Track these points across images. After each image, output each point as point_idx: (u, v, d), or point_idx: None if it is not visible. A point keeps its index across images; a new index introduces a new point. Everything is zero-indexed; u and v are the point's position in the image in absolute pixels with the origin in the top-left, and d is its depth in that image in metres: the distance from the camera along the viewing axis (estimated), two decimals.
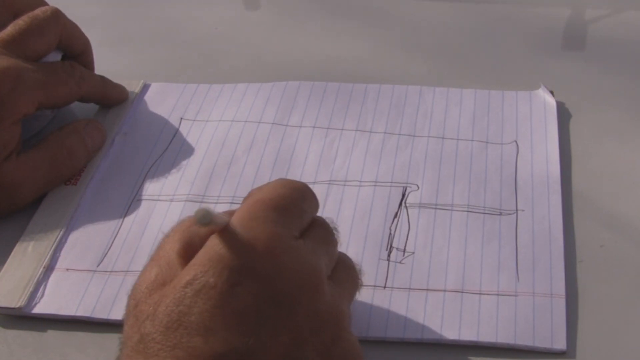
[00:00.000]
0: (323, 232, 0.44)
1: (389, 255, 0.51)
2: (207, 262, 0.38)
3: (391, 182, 0.56)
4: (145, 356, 0.37)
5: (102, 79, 0.62)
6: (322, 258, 0.42)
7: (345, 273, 0.44)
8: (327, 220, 0.45)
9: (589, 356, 0.45)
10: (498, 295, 0.48)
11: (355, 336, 0.41)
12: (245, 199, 0.44)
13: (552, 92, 0.62)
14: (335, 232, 0.44)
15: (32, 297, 0.50)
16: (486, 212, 0.53)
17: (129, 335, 0.39)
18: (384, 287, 0.49)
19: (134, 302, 0.40)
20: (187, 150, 0.60)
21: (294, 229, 0.41)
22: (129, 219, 0.55)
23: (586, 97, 0.63)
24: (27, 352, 0.48)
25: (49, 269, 0.52)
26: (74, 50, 0.61)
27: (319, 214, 0.52)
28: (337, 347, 0.40)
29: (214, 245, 0.39)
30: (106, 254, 0.53)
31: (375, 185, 0.56)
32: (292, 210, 0.42)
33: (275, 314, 0.38)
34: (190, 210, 0.55)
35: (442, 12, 0.74)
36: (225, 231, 0.39)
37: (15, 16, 0.58)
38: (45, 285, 0.51)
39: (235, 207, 0.54)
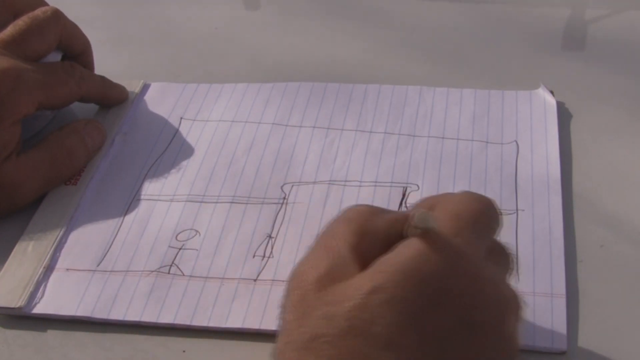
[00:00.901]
0: (505, 259, 0.42)
1: None
2: (401, 272, 0.36)
3: (391, 182, 0.56)
4: (318, 357, 0.36)
5: (102, 79, 0.62)
6: (505, 286, 0.40)
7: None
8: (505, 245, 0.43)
9: (589, 356, 0.45)
10: None
11: None
12: (424, 206, 0.42)
13: (552, 92, 0.62)
14: (512, 257, 0.43)
15: (32, 297, 0.50)
16: None
17: (296, 330, 0.37)
18: None
19: (300, 293, 0.38)
20: (187, 150, 0.60)
21: (484, 249, 0.40)
22: (128, 219, 0.55)
23: (586, 97, 0.63)
24: (27, 352, 0.48)
25: (49, 269, 0.52)
26: (74, 50, 0.61)
27: (317, 214, 0.52)
28: None
29: (409, 255, 0.37)
30: (106, 254, 0.53)
31: (375, 186, 0.56)
32: (486, 228, 0.40)
33: (467, 340, 0.37)
34: (190, 210, 0.55)
35: (442, 12, 0.74)
36: (430, 242, 0.37)
37: (16, 16, 0.58)
38: (45, 285, 0.51)
39: (235, 206, 0.55)
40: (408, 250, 0.37)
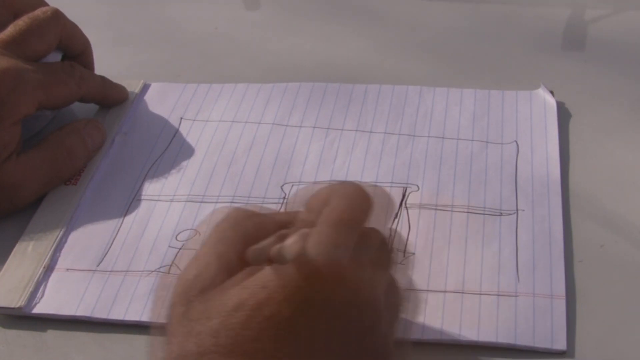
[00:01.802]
0: (384, 255, 0.42)
1: None
2: (281, 289, 0.36)
3: (391, 182, 0.56)
4: None
5: (102, 79, 0.62)
6: (381, 286, 0.40)
7: (395, 298, 0.43)
8: (386, 238, 0.42)
9: (589, 356, 0.45)
10: (498, 295, 0.48)
11: None
12: (308, 204, 0.41)
13: (552, 92, 0.62)
14: (393, 253, 0.42)
15: (32, 297, 0.50)
16: (486, 212, 0.53)
17: (182, 343, 0.37)
18: None
19: (185, 301, 0.38)
20: (187, 150, 0.60)
21: (359, 251, 0.39)
22: (129, 219, 0.55)
23: (586, 97, 0.63)
24: (27, 352, 0.48)
25: (49, 269, 0.52)
26: (74, 50, 0.61)
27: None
28: None
29: (289, 273, 0.37)
30: (106, 254, 0.53)
31: (375, 186, 0.56)
32: (357, 222, 0.39)
33: (344, 348, 0.37)
34: (190, 210, 0.55)
35: (442, 12, 0.74)
36: (303, 264, 0.37)
37: (16, 16, 0.58)
38: (45, 285, 0.51)
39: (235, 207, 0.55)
40: (273, 268, 0.37)
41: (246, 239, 0.39)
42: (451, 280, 0.49)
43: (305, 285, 0.37)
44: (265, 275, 0.37)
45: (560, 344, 0.46)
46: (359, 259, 0.38)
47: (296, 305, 0.36)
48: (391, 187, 0.56)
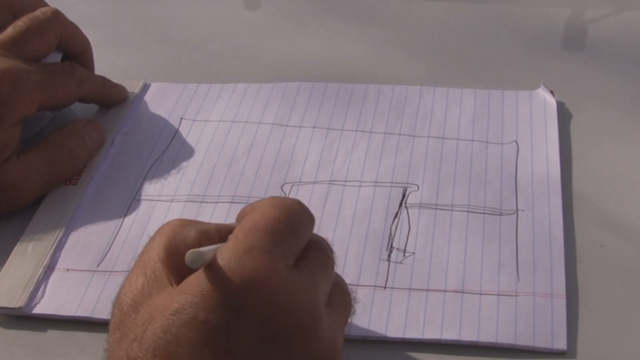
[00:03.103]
0: (321, 256, 0.41)
1: (389, 256, 0.51)
2: (199, 293, 0.37)
3: (391, 183, 0.56)
4: None
5: (102, 79, 0.62)
6: (321, 287, 0.40)
7: (341, 298, 0.43)
8: (323, 239, 0.43)
9: (589, 356, 0.45)
10: (498, 295, 0.48)
11: None
12: (239, 218, 0.42)
13: (552, 92, 0.62)
14: (332, 253, 0.42)
15: (32, 297, 0.50)
16: (486, 212, 0.53)
17: (116, 353, 0.38)
18: (384, 287, 0.49)
19: (120, 314, 0.39)
20: (187, 151, 0.60)
21: (289, 257, 0.39)
22: (128, 219, 0.55)
23: (586, 97, 0.63)
24: (27, 352, 0.48)
25: (49, 269, 0.52)
26: (74, 50, 0.61)
27: (317, 214, 0.52)
28: None
29: (207, 276, 0.37)
30: (106, 254, 0.53)
31: (375, 186, 0.56)
32: (289, 235, 0.40)
33: (269, 353, 0.37)
34: (190, 210, 0.55)
35: (442, 12, 0.74)
36: (218, 267, 0.37)
37: (15, 17, 0.58)
38: (46, 285, 0.51)
39: (235, 206, 0.55)
40: (204, 273, 0.37)
41: (179, 245, 0.40)
42: (451, 280, 0.49)
43: (224, 290, 0.37)
44: (187, 281, 0.38)
45: (561, 344, 0.46)
46: (287, 262, 0.39)
47: (214, 309, 0.36)
48: (391, 187, 0.56)
